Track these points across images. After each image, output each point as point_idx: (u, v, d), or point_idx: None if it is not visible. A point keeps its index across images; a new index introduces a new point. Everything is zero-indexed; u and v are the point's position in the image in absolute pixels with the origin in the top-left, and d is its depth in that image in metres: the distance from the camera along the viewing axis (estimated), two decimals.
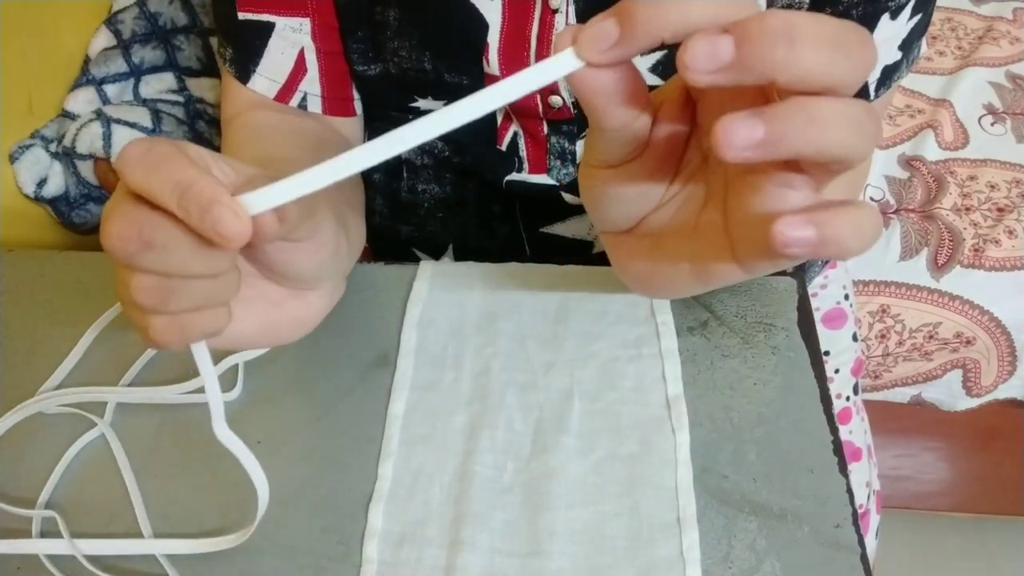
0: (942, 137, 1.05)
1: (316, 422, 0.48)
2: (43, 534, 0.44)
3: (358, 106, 0.55)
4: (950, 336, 0.95)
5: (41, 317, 0.54)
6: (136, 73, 0.80)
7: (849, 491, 0.44)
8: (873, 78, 0.49)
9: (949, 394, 1.03)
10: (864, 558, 0.42)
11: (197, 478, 0.46)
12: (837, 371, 0.70)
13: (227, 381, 0.50)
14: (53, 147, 0.75)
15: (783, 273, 0.54)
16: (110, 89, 0.78)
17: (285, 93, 0.51)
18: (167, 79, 0.81)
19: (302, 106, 0.52)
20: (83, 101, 0.77)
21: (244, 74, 0.51)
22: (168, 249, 0.26)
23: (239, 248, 0.26)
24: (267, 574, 0.42)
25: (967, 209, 0.98)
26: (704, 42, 0.21)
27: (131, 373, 0.51)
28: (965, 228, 0.96)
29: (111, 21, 0.80)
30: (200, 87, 0.82)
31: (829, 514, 0.43)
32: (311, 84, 0.52)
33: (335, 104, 0.53)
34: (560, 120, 0.53)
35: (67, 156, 0.75)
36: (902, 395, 1.04)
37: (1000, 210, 0.97)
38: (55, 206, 0.76)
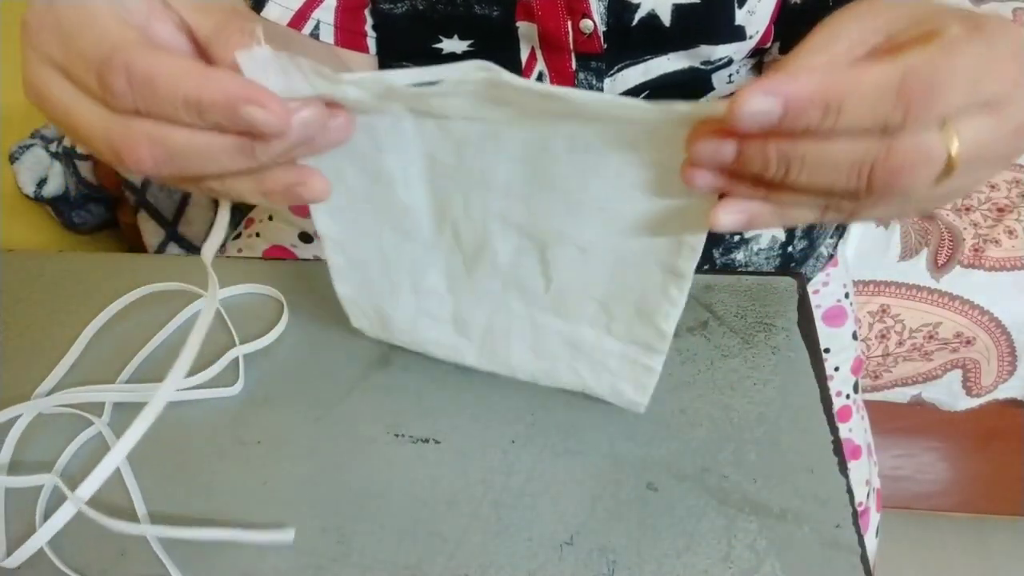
0: None
1: (316, 422, 0.48)
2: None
3: (371, 44, 0.55)
4: (950, 336, 0.95)
5: (41, 317, 0.54)
6: None
7: (849, 491, 0.44)
8: None
9: (949, 394, 1.03)
10: (864, 558, 0.42)
11: (197, 477, 0.46)
12: (837, 369, 0.70)
13: (228, 376, 0.50)
14: (53, 147, 0.75)
15: (783, 273, 0.54)
16: None
17: (299, 19, 0.51)
18: None
19: (314, 35, 0.52)
20: None
21: (259, 1, 0.51)
22: (213, 157, 0.27)
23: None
24: (267, 574, 0.42)
25: (967, 209, 0.98)
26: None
27: (129, 370, 0.51)
28: (965, 228, 0.96)
29: None
30: None
31: (829, 514, 0.43)
32: (325, 12, 0.51)
33: (348, 36, 0.53)
34: (589, 55, 0.53)
35: (67, 156, 0.75)
36: (902, 395, 1.04)
37: (1000, 210, 0.97)
38: (55, 206, 0.76)
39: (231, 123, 0.26)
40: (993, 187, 0.99)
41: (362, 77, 0.28)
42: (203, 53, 0.28)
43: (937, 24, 0.27)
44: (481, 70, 0.28)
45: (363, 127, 0.33)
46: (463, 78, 0.29)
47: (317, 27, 0.51)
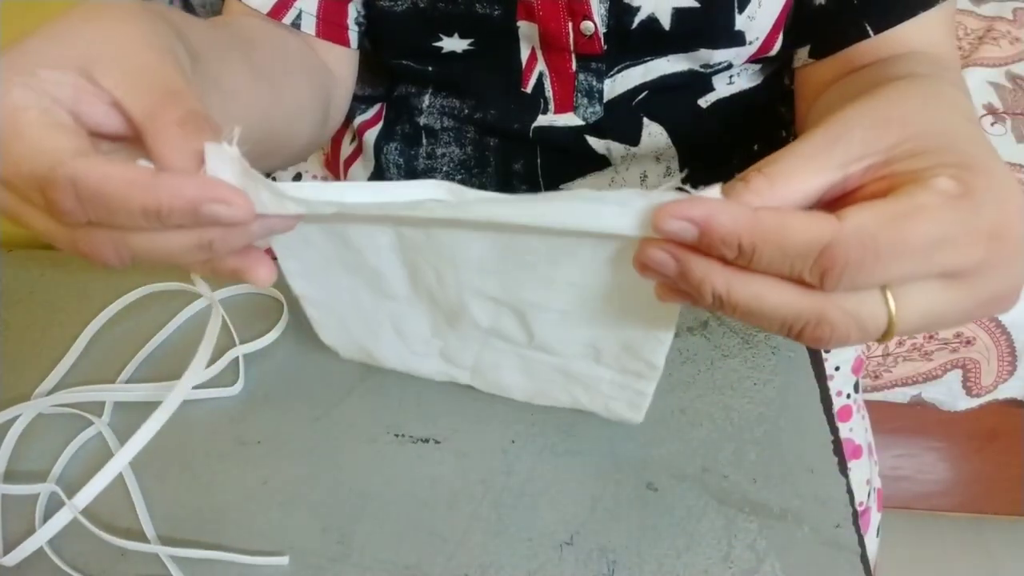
0: None
1: (316, 422, 0.48)
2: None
3: (353, 38, 0.55)
4: (950, 336, 0.95)
5: (41, 317, 0.54)
6: None
7: (849, 491, 0.44)
8: None
9: (949, 394, 1.03)
10: (864, 558, 0.42)
11: (197, 477, 0.46)
12: (838, 368, 0.69)
13: (228, 376, 0.50)
14: None
15: None
16: None
17: (280, 8, 0.50)
18: None
19: (295, 24, 0.51)
20: None
21: None
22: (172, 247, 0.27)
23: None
24: (268, 574, 0.42)
25: None
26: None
27: (129, 370, 0.51)
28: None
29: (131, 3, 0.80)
30: None
31: (829, 514, 0.43)
32: (308, 3, 0.51)
33: (330, 28, 0.53)
34: (590, 56, 0.53)
35: None
36: (902, 395, 1.04)
37: None
38: None
39: (194, 223, 0.26)
40: None
41: (313, 200, 0.27)
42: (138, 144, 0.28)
43: (932, 165, 0.25)
44: (438, 195, 0.27)
45: None
46: (419, 204, 0.27)
47: (299, 17, 0.51)
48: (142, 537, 0.43)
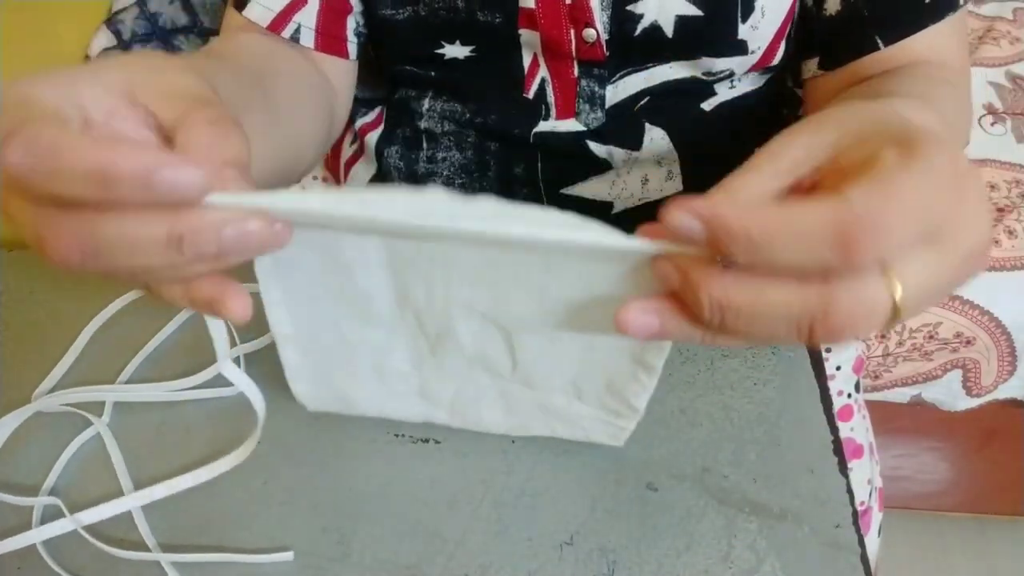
0: None
1: (316, 422, 0.48)
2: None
3: (352, 50, 0.55)
4: (950, 336, 0.95)
5: (41, 317, 0.54)
6: None
7: (849, 491, 0.44)
8: None
9: (949, 394, 1.03)
10: (864, 558, 0.42)
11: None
12: (839, 368, 0.69)
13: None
14: None
15: None
16: None
17: (279, 22, 0.51)
18: None
19: (294, 38, 0.51)
20: None
21: (241, 0, 0.51)
22: (123, 243, 0.25)
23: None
24: (268, 574, 0.42)
25: None
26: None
27: (129, 370, 0.51)
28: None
29: (111, 21, 0.80)
30: None
31: (829, 514, 0.43)
32: (307, 16, 0.51)
33: (328, 41, 0.53)
34: (592, 62, 0.53)
35: None
36: (902, 395, 1.04)
37: (1000, 210, 0.97)
38: None
39: (143, 194, 0.24)
40: (993, 187, 0.99)
41: (312, 210, 0.26)
42: (169, 147, 0.27)
43: (875, 146, 0.25)
44: (417, 216, 0.26)
45: None
46: (413, 213, 0.27)
47: (298, 31, 0.51)
48: (139, 539, 0.43)
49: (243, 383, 0.38)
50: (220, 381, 0.49)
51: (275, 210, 0.27)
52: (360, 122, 0.65)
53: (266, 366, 0.51)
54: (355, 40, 0.55)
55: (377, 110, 0.65)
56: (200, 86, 0.29)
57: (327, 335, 0.40)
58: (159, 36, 0.81)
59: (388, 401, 0.44)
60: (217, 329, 0.35)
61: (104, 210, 0.24)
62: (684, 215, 0.25)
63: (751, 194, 0.26)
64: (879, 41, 0.47)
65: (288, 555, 0.42)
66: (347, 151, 0.70)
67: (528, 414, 0.43)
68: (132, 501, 0.43)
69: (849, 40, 0.49)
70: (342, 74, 0.56)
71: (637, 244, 0.27)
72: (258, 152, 0.38)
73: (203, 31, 0.83)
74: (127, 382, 0.50)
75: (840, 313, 0.25)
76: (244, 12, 0.51)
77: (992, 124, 1.06)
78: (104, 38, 0.80)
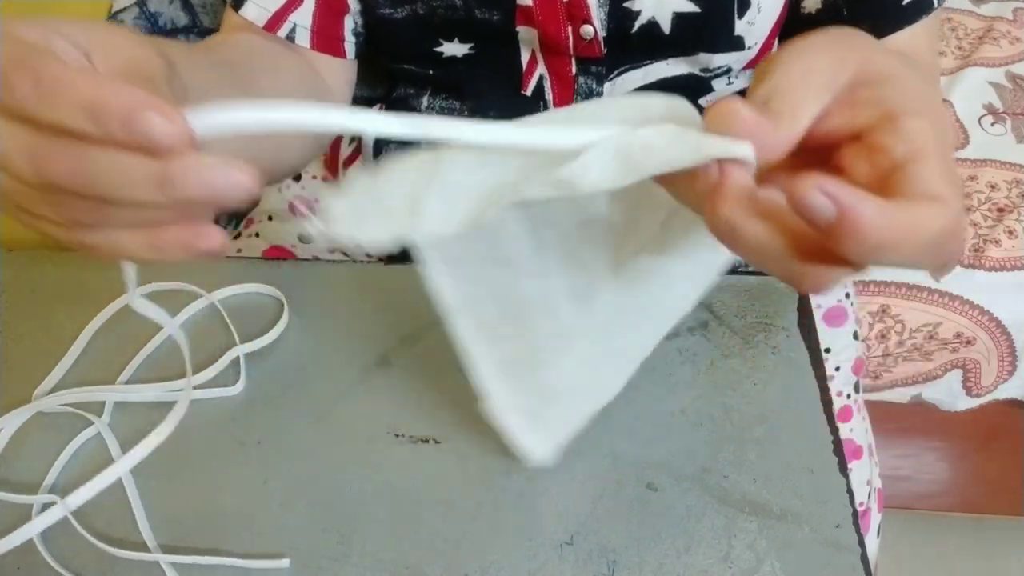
0: None
1: (316, 422, 0.48)
2: (42, 534, 0.44)
3: (349, 50, 0.55)
4: (950, 336, 0.95)
5: (41, 317, 0.54)
6: None
7: (849, 491, 0.44)
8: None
9: (949, 394, 1.03)
10: (864, 558, 0.42)
11: (197, 477, 0.46)
12: (838, 369, 0.69)
13: (229, 376, 0.50)
14: None
15: None
16: None
17: (275, 22, 0.51)
18: None
19: (290, 38, 0.51)
20: None
21: (237, 0, 0.51)
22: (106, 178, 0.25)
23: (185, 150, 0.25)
24: (268, 574, 0.42)
25: (967, 209, 0.98)
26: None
27: (129, 370, 0.51)
28: (965, 228, 0.96)
29: (111, 21, 0.80)
30: None
31: (829, 514, 0.43)
32: (303, 16, 0.51)
33: (324, 41, 0.53)
34: (590, 59, 0.53)
35: None
36: (902, 395, 1.04)
37: (1000, 210, 0.97)
38: None
39: (127, 134, 0.24)
40: (993, 187, 0.99)
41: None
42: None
43: (895, 98, 0.26)
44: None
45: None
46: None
47: (293, 30, 0.51)
48: (139, 539, 0.43)
49: (156, 314, 0.41)
50: (220, 381, 0.49)
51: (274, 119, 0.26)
52: None
53: (266, 366, 0.51)
54: (353, 40, 0.55)
55: (376, 108, 0.65)
56: (149, 63, 0.28)
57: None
58: (159, 36, 0.81)
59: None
60: (128, 266, 0.36)
61: (102, 143, 0.24)
62: (819, 196, 0.23)
63: (809, 115, 0.26)
64: None
65: (284, 562, 0.42)
66: (345, 150, 0.70)
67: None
68: (119, 469, 0.43)
69: None
70: (339, 74, 0.56)
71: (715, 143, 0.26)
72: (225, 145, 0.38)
73: (203, 31, 0.83)
74: (127, 382, 0.50)
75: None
76: (240, 12, 0.51)
77: (992, 124, 1.06)
78: None
